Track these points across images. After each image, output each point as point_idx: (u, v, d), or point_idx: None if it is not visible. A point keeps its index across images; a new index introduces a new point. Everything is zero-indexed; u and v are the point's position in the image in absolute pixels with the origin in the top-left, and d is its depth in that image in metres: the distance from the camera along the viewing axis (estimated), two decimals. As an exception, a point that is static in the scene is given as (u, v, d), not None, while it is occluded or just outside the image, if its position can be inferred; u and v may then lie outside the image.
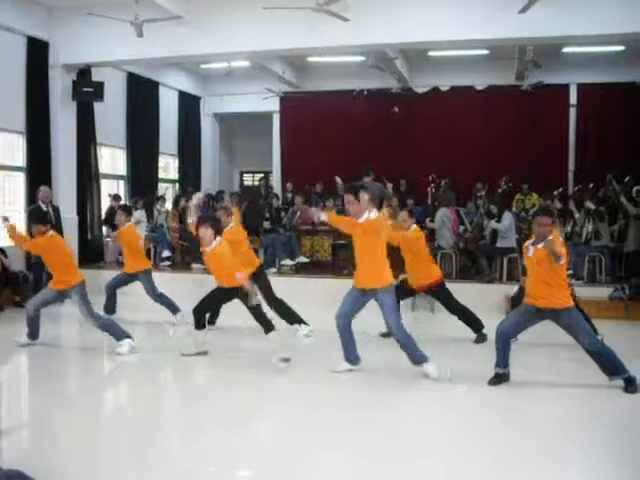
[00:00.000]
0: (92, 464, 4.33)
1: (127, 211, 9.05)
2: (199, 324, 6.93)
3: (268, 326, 6.67)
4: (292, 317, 7.93)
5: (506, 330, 5.96)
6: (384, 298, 6.00)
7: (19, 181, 11.45)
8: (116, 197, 13.18)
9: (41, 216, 8.53)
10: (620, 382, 5.73)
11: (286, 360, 6.44)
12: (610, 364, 5.71)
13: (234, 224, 7.90)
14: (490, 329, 6.47)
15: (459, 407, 5.57)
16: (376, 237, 5.97)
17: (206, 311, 7.12)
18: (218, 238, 6.75)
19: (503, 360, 5.96)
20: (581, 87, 14.76)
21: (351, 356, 6.32)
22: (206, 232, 6.71)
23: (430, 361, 6.10)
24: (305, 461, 4.31)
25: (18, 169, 11.34)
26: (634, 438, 4.74)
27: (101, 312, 7.98)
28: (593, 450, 4.54)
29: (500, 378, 5.96)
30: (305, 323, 7.98)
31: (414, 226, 7.80)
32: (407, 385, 6.09)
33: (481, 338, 7.60)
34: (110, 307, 8.94)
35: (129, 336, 7.15)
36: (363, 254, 6.07)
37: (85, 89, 11.64)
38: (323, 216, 6.30)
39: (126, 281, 8.93)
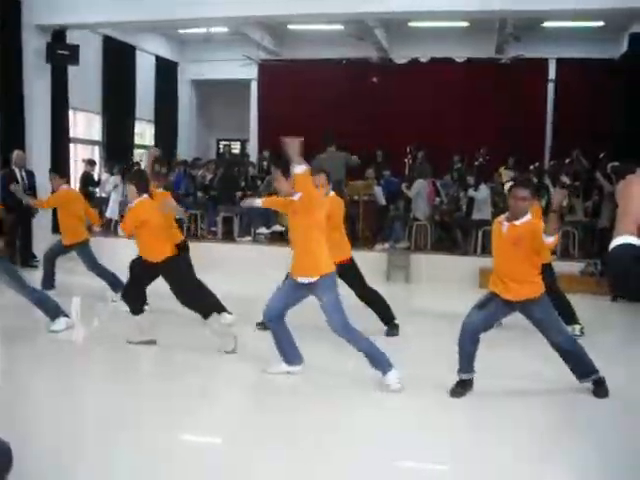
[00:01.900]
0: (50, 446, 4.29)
1: (60, 174, 8.46)
2: (135, 309, 6.14)
3: (203, 310, 6.12)
4: None
5: (474, 327, 4.88)
6: (323, 291, 4.98)
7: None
8: (90, 162, 13.04)
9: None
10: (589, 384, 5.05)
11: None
12: (581, 364, 4.96)
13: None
14: (462, 302, 5.45)
15: (416, 408, 4.84)
16: (309, 216, 4.93)
17: (135, 293, 6.20)
18: (144, 195, 6.04)
19: (468, 363, 4.93)
20: (560, 62, 14.82)
21: (290, 356, 5.37)
22: (130, 189, 6.10)
23: (394, 369, 5.00)
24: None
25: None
26: (604, 447, 4.33)
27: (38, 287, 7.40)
28: (563, 461, 4.14)
29: (464, 386, 4.97)
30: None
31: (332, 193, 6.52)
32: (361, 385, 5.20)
33: (392, 331, 6.69)
34: (48, 281, 8.19)
35: (65, 314, 6.61)
36: (297, 237, 5.15)
37: (60, 52, 11.39)
38: (257, 202, 5.98)
39: (64, 252, 8.26)
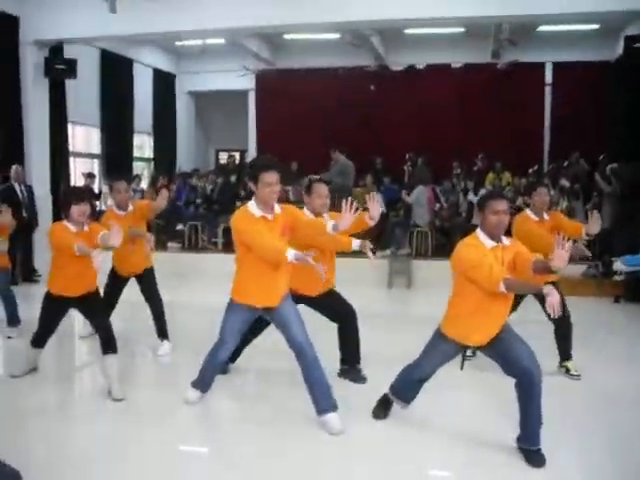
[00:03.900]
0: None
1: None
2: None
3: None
4: None
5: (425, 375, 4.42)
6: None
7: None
8: (90, 175, 13.05)
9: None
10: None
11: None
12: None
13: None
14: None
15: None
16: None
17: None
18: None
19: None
20: (556, 66, 14.83)
21: (209, 381, 4.98)
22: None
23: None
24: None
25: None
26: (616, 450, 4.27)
27: None
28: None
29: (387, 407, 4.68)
30: None
31: None
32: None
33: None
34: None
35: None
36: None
37: (57, 66, 11.42)
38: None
39: None
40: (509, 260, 3.92)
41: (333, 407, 4.49)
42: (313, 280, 4.74)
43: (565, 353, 5.69)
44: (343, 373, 5.56)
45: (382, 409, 4.66)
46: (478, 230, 4.00)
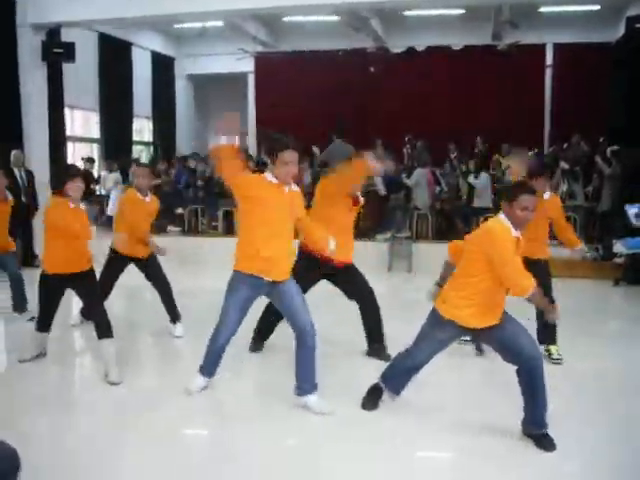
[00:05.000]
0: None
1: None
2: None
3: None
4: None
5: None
6: None
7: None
8: (89, 160, 13.04)
9: None
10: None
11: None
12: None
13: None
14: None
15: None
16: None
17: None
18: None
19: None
20: (557, 47, 14.76)
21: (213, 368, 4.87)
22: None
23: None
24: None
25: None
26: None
27: None
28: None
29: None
30: None
31: None
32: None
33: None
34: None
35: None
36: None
37: (55, 50, 11.36)
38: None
39: None
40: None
41: (315, 388, 4.54)
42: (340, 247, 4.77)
43: (550, 337, 5.63)
44: (371, 351, 5.68)
45: (372, 399, 4.55)
46: (504, 218, 3.88)
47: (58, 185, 5.16)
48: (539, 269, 4.89)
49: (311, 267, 5.25)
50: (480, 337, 4.19)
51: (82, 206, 5.27)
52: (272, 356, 5.75)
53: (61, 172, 5.31)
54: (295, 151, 4.30)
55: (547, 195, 5.44)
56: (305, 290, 4.96)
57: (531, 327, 4.25)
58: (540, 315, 5.39)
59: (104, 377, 5.11)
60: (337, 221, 5.21)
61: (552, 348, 5.64)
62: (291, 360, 4.59)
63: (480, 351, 5.64)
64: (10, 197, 7.11)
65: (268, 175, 4.36)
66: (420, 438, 4.18)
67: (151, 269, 6.38)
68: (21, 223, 9.98)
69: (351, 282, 5.58)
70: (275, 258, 4.38)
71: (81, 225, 5.08)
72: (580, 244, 5.70)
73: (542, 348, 5.43)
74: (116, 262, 6.32)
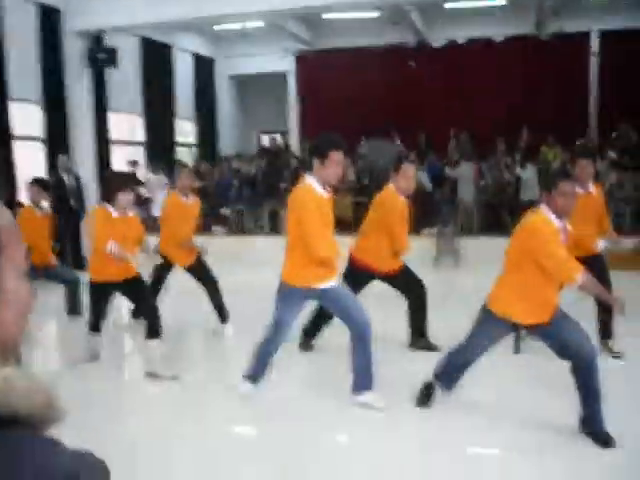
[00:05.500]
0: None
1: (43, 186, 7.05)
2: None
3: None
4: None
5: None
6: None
7: (39, 151, 11.45)
8: (134, 163, 13.20)
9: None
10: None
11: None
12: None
13: None
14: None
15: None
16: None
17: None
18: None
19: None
20: (603, 34, 14.41)
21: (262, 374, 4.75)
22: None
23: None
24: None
25: (37, 139, 11.32)
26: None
27: None
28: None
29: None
30: None
31: None
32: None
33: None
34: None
35: None
36: None
37: (99, 55, 11.56)
38: None
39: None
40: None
41: (372, 385, 4.54)
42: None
43: (607, 331, 5.51)
44: (414, 343, 5.79)
45: (425, 396, 4.51)
46: (545, 209, 3.83)
47: (108, 195, 5.27)
48: (595, 264, 4.81)
49: (363, 277, 5.53)
50: (534, 333, 4.12)
51: (130, 214, 5.36)
52: (319, 356, 5.76)
53: (112, 183, 5.39)
54: (343, 152, 4.27)
55: (592, 188, 5.32)
56: (356, 292, 5.01)
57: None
58: (598, 308, 5.30)
59: (146, 374, 5.25)
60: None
61: (609, 342, 5.52)
62: (338, 359, 4.59)
63: (518, 348, 5.54)
64: (49, 210, 7.22)
65: (312, 181, 4.28)
66: (469, 434, 4.14)
67: (199, 271, 6.44)
68: (69, 227, 10.17)
69: (404, 281, 5.72)
70: (332, 260, 4.36)
71: (123, 237, 5.17)
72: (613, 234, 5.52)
73: (600, 343, 5.36)
74: (164, 266, 6.39)
